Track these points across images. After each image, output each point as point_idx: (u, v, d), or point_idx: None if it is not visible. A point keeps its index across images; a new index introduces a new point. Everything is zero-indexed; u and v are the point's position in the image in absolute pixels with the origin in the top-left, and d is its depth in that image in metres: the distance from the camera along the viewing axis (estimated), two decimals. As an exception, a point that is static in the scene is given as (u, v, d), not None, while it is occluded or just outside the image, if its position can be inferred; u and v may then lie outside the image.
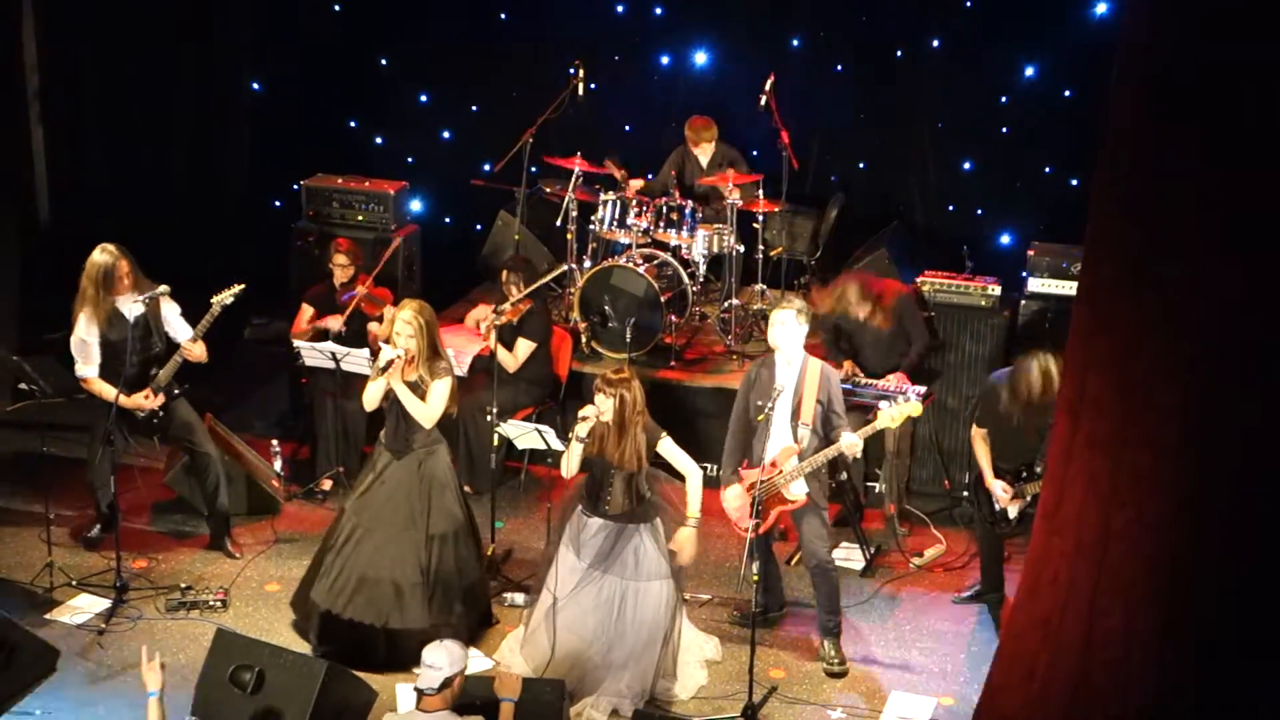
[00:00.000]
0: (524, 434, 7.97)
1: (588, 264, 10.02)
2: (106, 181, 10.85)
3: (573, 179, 9.96)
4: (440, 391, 7.23)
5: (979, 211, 10.67)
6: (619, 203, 9.87)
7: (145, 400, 7.98)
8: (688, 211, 9.77)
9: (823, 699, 7.27)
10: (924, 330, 8.86)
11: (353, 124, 11.71)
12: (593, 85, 10.26)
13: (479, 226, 11.19)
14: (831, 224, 10.42)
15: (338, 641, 7.26)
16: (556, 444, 7.74)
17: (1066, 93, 10.12)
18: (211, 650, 6.73)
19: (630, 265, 9.54)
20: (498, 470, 8.69)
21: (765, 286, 10.08)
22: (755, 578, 7.10)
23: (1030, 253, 9.33)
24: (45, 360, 8.34)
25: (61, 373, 8.17)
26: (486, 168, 10.80)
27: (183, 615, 7.75)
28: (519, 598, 7.86)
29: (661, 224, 9.78)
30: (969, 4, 10.27)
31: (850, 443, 7.20)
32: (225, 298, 7.94)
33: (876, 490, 9.02)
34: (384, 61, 11.59)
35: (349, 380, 8.78)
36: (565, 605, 7.12)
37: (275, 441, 9.26)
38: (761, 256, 9.98)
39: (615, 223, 9.88)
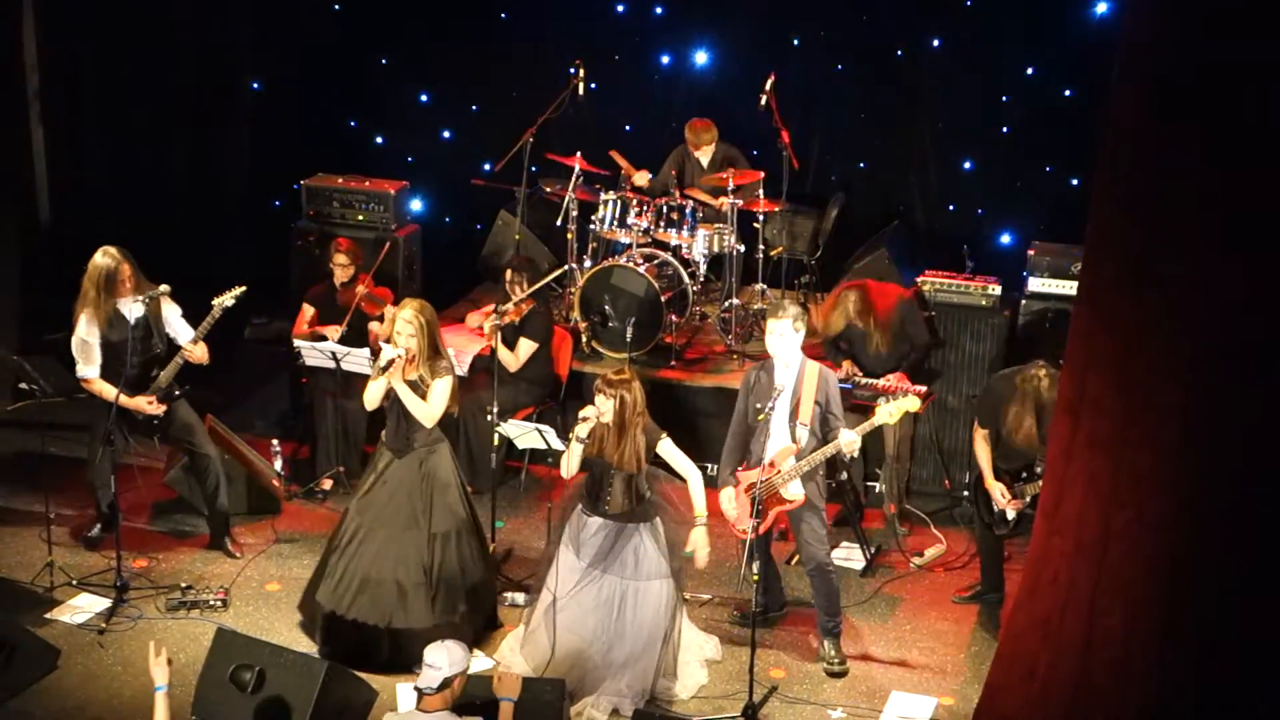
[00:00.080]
0: (524, 434, 7.97)
1: (588, 263, 10.02)
2: (106, 181, 10.86)
3: (573, 178, 9.96)
4: (441, 391, 7.23)
5: (979, 211, 10.67)
6: (619, 202, 9.87)
7: (147, 405, 7.99)
8: (688, 211, 9.77)
9: (823, 699, 7.27)
10: (925, 332, 8.86)
11: (353, 124, 11.71)
12: (593, 85, 10.26)
13: (479, 226, 11.19)
14: (832, 224, 10.42)
15: (342, 642, 7.26)
16: (557, 444, 7.74)
17: (1067, 92, 10.13)
18: (212, 650, 6.74)
19: (631, 265, 9.54)
20: (498, 470, 8.69)
21: (765, 286, 10.08)
22: (755, 577, 7.10)
23: (1031, 252, 9.33)
24: (46, 360, 8.34)
25: (62, 372, 8.17)
26: (487, 167, 10.80)
27: (183, 615, 7.75)
28: (519, 597, 7.86)
29: (662, 224, 9.79)
30: (969, 3, 10.27)
31: (849, 440, 7.20)
32: (226, 300, 7.94)
33: (877, 490, 9.02)
34: (384, 61, 11.59)
35: (349, 380, 8.78)
36: (565, 605, 7.12)
37: (275, 441, 9.26)
38: (762, 256, 9.98)
39: (615, 222, 9.88)
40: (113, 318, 7.87)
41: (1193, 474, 5.27)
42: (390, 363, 7.13)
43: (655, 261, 9.70)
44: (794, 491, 7.27)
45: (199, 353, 8.02)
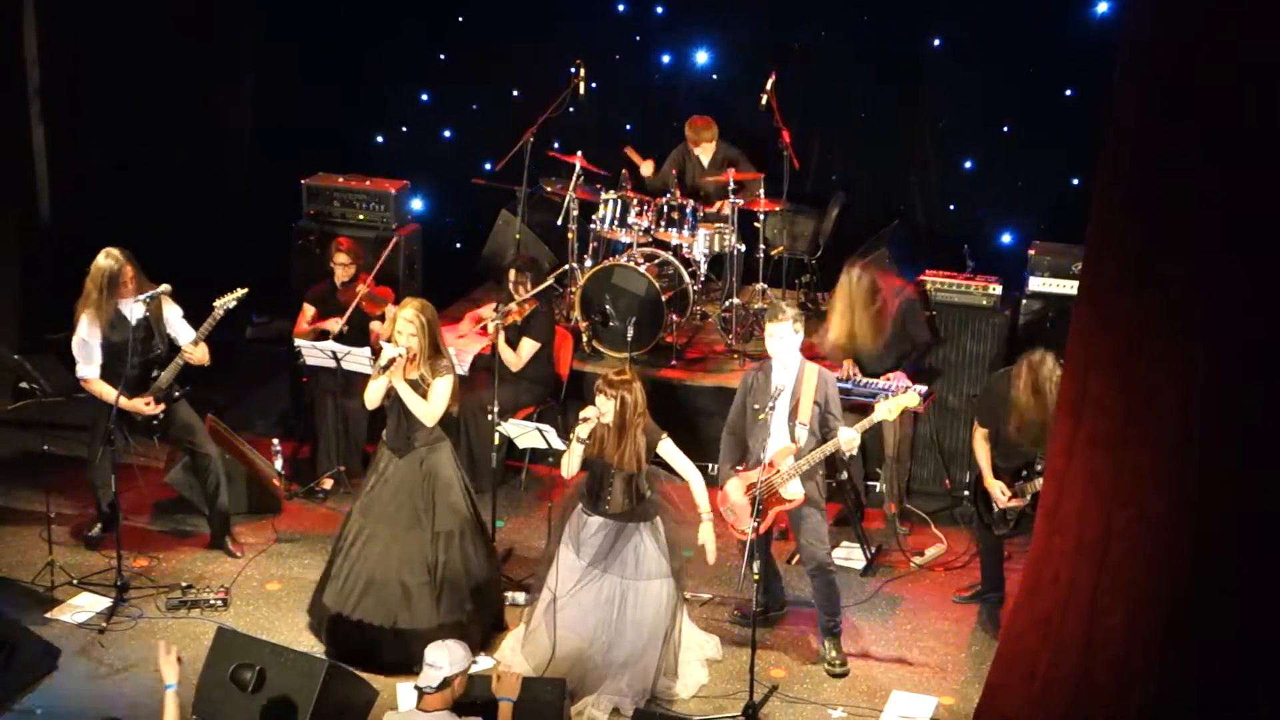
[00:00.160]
0: (525, 433, 7.97)
1: (589, 263, 10.02)
2: (107, 180, 10.86)
3: (574, 178, 9.96)
4: (441, 389, 7.23)
5: (980, 211, 10.66)
6: (620, 202, 9.87)
7: (144, 406, 7.99)
8: (689, 211, 9.77)
9: (823, 698, 7.27)
10: (925, 330, 8.86)
11: (353, 124, 11.71)
12: (593, 84, 10.26)
13: (480, 225, 11.19)
14: (832, 223, 10.42)
15: (348, 643, 7.25)
16: (557, 443, 7.74)
17: (1068, 92, 10.12)
18: (212, 649, 6.74)
19: (631, 264, 9.54)
20: (499, 469, 8.69)
21: (766, 286, 10.08)
22: (756, 577, 7.10)
23: (1031, 252, 9.32)
24: (46, 359, 8.34)
25: (62, 372, 8.17)
26: (487, 167, 10.80)
27: (184, 614, 7.75)
28: (519, 597, 7.86)
29: (662, 223, 9.79)
30: (970, 3, 10.27)
31: (848, 438, 7.20)
32: (228, 301, 7.94)
33: (877, 490, 9.02)
34: (384, 61, 11.59)
35: (350, 379, 8.78)
36: (565, 604, 7.12)
37: (276, 440, 9.26)
38: (762, 256, 9.98)
39: (616, 222, 9.88)
40: (114, 318, 7.87)
41: (1193, 473, 5.27)
42: (391, 361, 7.14)
43: (656, 261, 9.71)
44: (793, 491, 7.27)
45: (199, 354, 8.02)
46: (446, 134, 11.69)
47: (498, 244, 10.75)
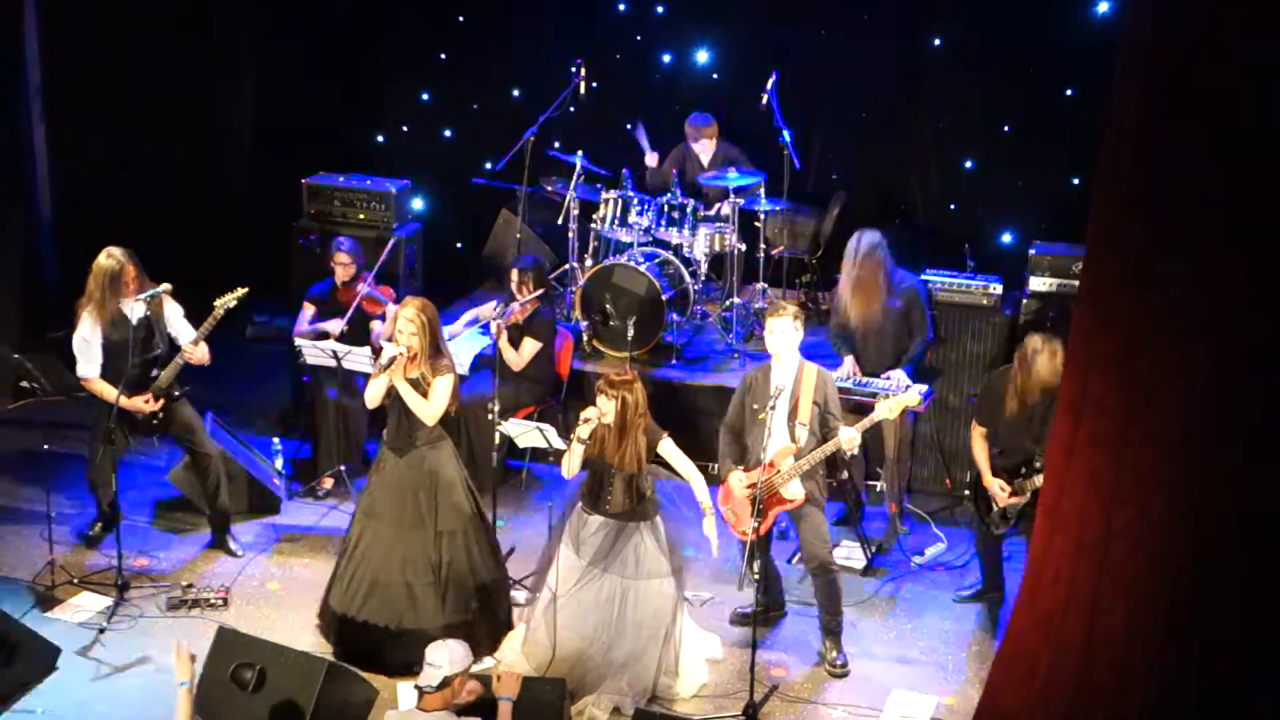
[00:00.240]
0: (525, 432, 7.97)
1: (589, 263, 10.02)
2: (108, 179, 10.86)
3: (574, 177, 9.96)
4: (442, 388, 7.24)
5: (980, 210, 10.67)
6: (620, 201, 9.87)
7: (143, 404, 7.99)
8: (689, 210, 9.77)
9: (823, 698, 7.27)
10: (926, 326, 8.86)
11: (353, 124, 11.71)
12: (594, 84, 10.25)
13: (480, 225, 11.19)
14: (833, 223, 10.42)
15: (355, 644, 7.25)
16: (558, 442, 7.75)
17: (1068, 91, 10.12)
18: (212, 648, 6.74)
19: (632, 264, 9.54)
20: (499, 468, 8.69)
21: (767, 285, 10.08)
22: (756, 576, 7.10)
23: (1032, 251, 9.33)
24: (46, 358, 8.34)
25: (62, 371, 8.17)
26: (488, 166, 10.80)
27: (184, 613, 7.75)
28: (520, 596, 7.86)
29: (663, 223, 9.79)
30: (970, 3, 10.27)
31: (849, 437, 7.19)
32: (228, 301, 7.94)
33: (878, 489, 9.02)
34: (384, 61, 11.59)
35: (350, 378, 8.78)
36: (565, 604, 7.12)
37: (276, 440, 9.26)
38: (763, 255, 9.98)
39: (616, 221, 9.88)
40: (115, 318, 7.88)
41: (1193, 473, 5.27)
42: (392, 360, 7.14)
43: (656, 260, 9.71)
44: (793, 491, 7.27)
45: (200, 353, 8.02)
46: (447, 134, 11.69)
47: (498, 244, 10.75)
